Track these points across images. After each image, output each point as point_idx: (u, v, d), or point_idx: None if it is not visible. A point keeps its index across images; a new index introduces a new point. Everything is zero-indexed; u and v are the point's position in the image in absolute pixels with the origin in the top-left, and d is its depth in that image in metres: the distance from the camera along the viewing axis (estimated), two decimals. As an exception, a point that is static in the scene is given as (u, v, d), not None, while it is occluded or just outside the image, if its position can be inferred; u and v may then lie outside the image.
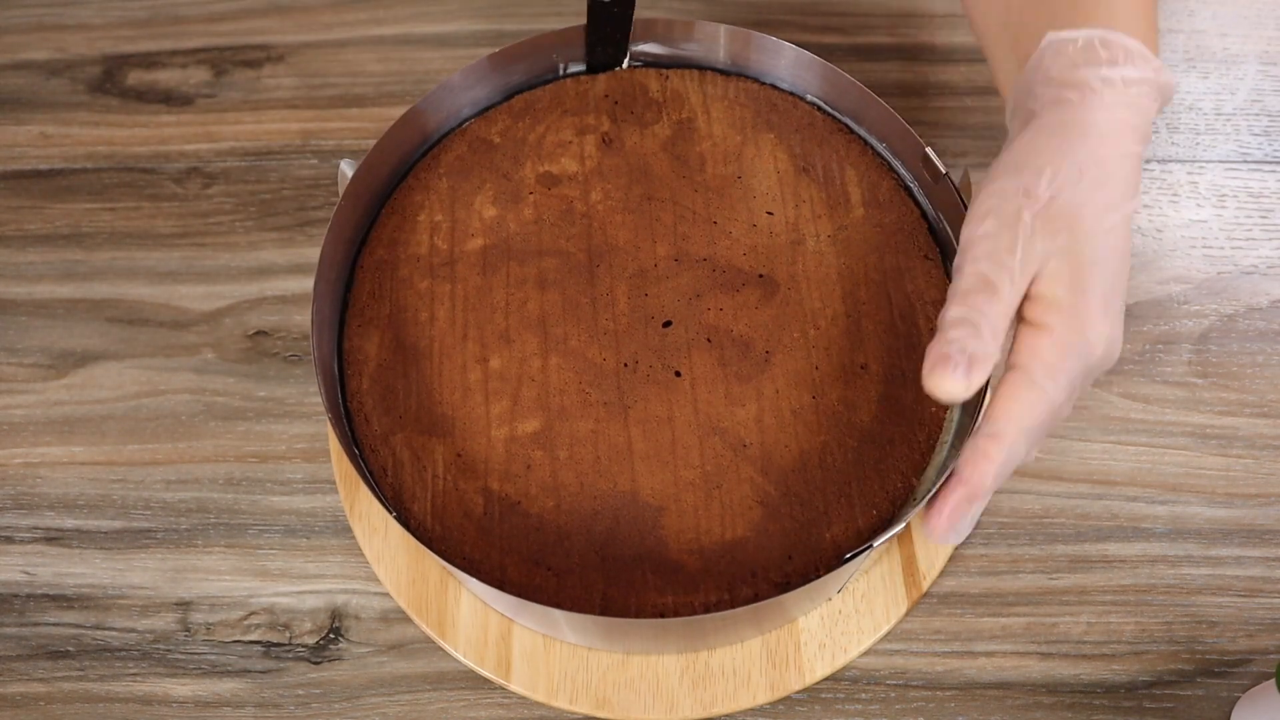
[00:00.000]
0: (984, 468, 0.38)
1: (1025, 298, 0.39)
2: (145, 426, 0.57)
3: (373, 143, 0.50)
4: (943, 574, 0.52)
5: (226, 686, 0.51)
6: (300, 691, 0.51)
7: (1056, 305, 0.38)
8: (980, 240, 0.40)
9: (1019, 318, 0.39)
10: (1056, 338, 0.38)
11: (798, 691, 0.50)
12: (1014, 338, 0.39)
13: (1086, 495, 0.54)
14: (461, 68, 0.52)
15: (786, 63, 0.53)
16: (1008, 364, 0.39)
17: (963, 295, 0.39)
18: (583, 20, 0.53)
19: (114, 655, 0.52)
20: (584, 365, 0.47)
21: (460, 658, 0.50)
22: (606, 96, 0.54)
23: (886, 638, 0.51)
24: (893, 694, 0.50)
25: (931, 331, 0.47)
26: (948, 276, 0.49)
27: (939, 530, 0.39)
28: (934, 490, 0.39)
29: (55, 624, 0.52)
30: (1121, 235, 0.39)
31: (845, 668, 0.50)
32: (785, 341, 0.48)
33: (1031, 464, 0.55)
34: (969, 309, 0.38)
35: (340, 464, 0.54)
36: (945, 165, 0.48)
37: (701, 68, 0.55)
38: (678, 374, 0.47)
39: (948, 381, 0.37)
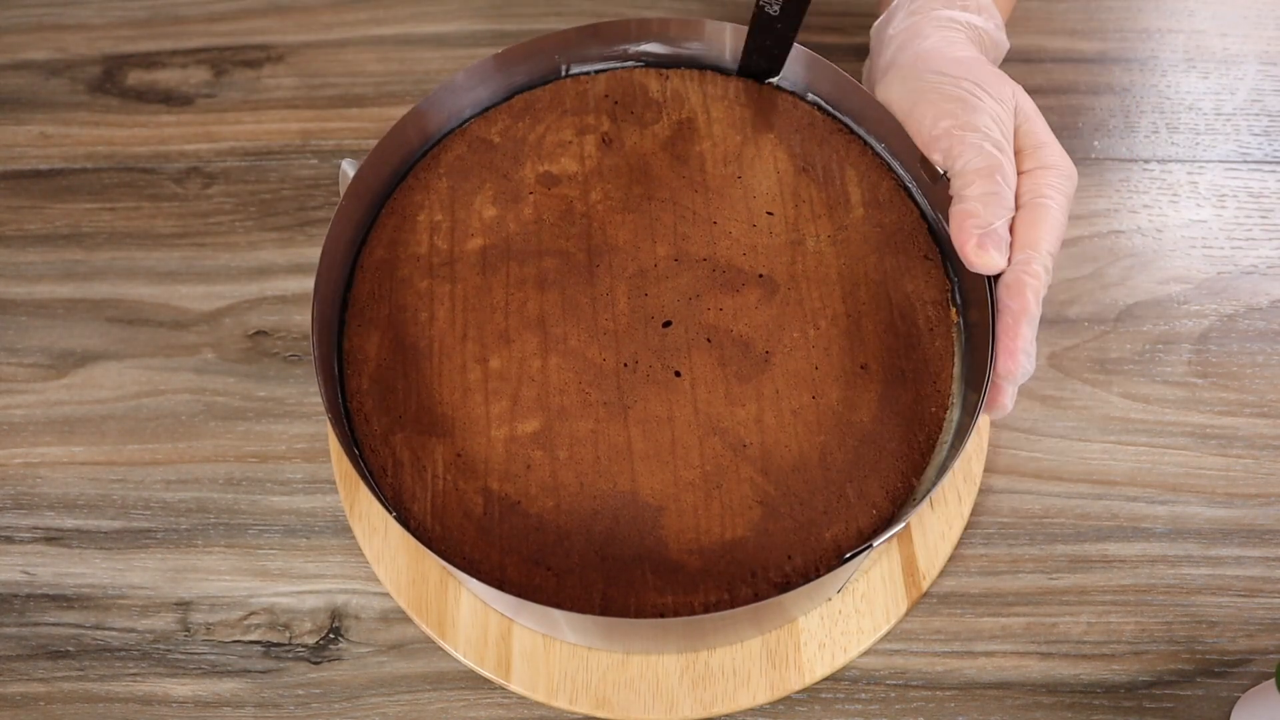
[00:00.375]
0: (1030, 288, 0.44)
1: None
2: (145, 426, 0.57)
3: (373, 143, 0.50)
4: (942, 574, 0.52)
5: (226, 686, 0.51)
6: (300, 691, 0.51)
7: (1034, 152, 0.46)
8: (948, 120, 0.46)
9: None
10: (1047, 172, 0.45)
11: (797, 691, 0.50)
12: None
13: (1086, 495, 0.54)
14: (462, 68, 0.52)
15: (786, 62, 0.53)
16: (1018, 202, 0.45)
17: (978, 172, 0.45)
18: (584, 20, 0.53)
19: (114, 655, 0.52)
20: (584, 365, 0.47)
21: (460, 658, 0.50)
22: (606, 96, 0.54)
23: (886, 638, 0.51)
24: (892, 694, 0.50)
25: (930, 331, 0.48)
26: (948, 277, 0.49)
27: (1016, 368, 0.44)
28: (994, 349, 0.44)
29: (55, 624, 0.53)
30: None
31: (845, 668, 0.50)
32: (785, 341, 0.48)
33: (1031, 464, 0.55)
34: (990, 183, 0.45)
35: (340, 464, 0.54)
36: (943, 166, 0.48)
37: (702, 67, 0.55)
38: (677, 374, 0.47)
39: (997, 257, 0.44)
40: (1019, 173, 0.46)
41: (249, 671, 0.51)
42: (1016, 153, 0.46)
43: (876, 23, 0.54)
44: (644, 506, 0.45)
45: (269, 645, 0.52)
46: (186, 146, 0.66)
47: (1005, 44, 0.53)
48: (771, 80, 0.54)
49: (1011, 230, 0.45)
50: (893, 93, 0.49)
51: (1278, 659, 0.50)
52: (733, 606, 0.43)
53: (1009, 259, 0.44)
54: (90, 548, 0.54)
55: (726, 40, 0.54)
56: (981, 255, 0.44)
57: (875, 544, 0.42)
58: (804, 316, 0.48)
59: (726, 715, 0.49)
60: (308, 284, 0.61)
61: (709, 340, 0.48)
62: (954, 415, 0.47)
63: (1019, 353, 0.44)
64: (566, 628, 0.47)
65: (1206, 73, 0.67)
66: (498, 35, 0.69)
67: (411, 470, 0.46)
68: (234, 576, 0.53)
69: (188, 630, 0.52)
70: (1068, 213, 0.46)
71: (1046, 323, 0.58)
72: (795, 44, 0.52)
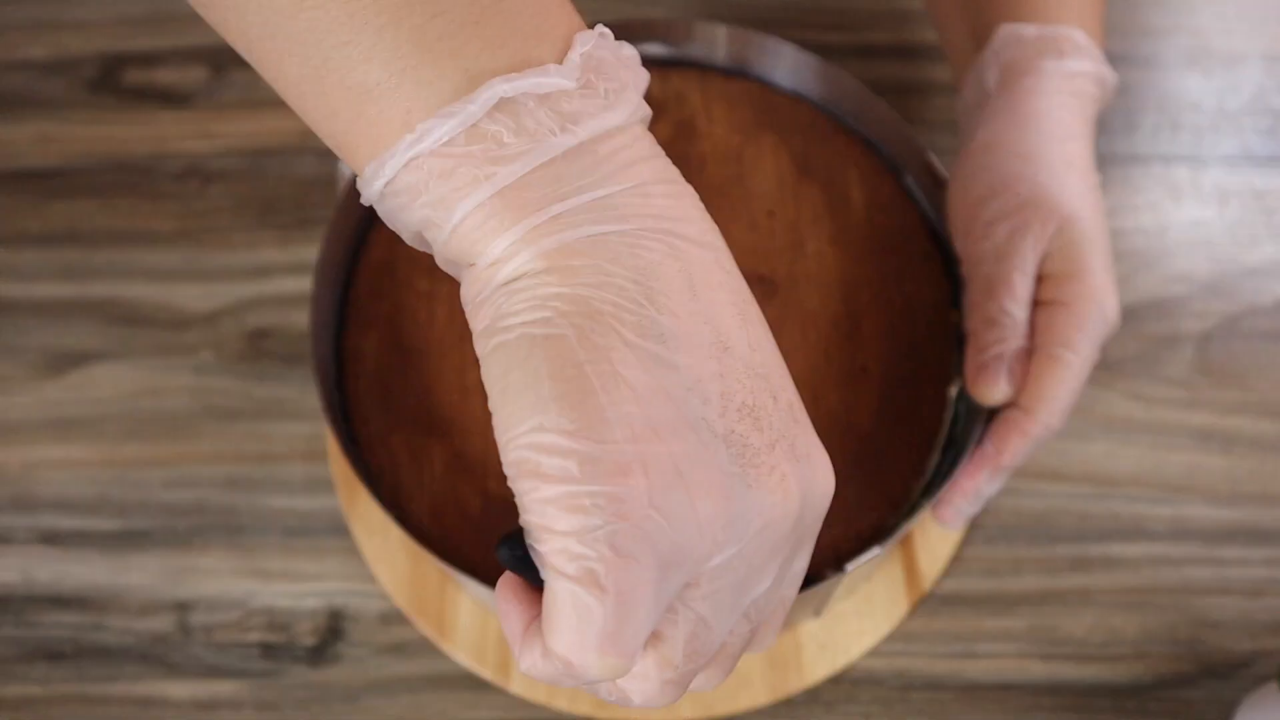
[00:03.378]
0: (1016, 444, 0.42)
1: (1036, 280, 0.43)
2: (144, 426, 0.57)
3: (371, 142, 0.49)
4: (944, 575, 0.52)
5: (225, 688, 0.51)
6: (299, 693, 0.51)
7: (1067, 282, 0.42)
8: (983, 242, 0.43)
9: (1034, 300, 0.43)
10: (1073, 312, 0.41)
11: (798, 693, 0.49)
12: (1031, 319, 0.43)
13: (1089, 495, 0.54)
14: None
15: (787, 63, 0.53)
16: (1031, 345, 0.42)
17: (984, 300, 0.43)
18: (583, 21, 0.52)
19: (112, 656, 0.52)
20: (583, 366, 0.47)
21: (460, 659, 0.50)
22: (606, 95, 0.54)
23: (888, 639, 0.51)
24: (894, 695, 0.50)
25: (930, 333, 0.47)
26: (948, 279, 0.49)
27: (953, 512, 0.43)
28: (958, 469, 0.42)
29: (53, 625, 0.52)
30: (1099, 208, 0.44)
31: (846, 669, 0.50)
32: (784, 343, 0.47)
33: (1033, 464, 0.55)
34: (994, 312, 0.42)
35: (339, 465, 0.54)
36: (946, 169, 0.48)
37: (702, 68, 0.55)
38: (677, 375, 0.47)
39: (994, 390, 0.42)
40: (1039, 302, 0.43)
41: (248, 673, 0.51)
42: (1045, 278, 0.43)
43: (965, 92, 0.49)
44: (643, 508, 0.44)
45: (268, 647, 0.52)
46: (185, 146, 0.66)
47: (1112, 77, 0.46)
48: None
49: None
50: (979, 137, 0.46)
51: (1280, 661, 0.50)
52: (732, 609, 0.42)
53: (1016, 399, 0.42)
54: (88, 548, 0.54)
55: (722, 42, 0.54)
56: (976, 389, 0.42)
57: (875, 549, 0.42)
58: (804, 318, 0.48)
59: (727, 716, 0.49)
60: (307, 284, 0.60)
61: (709, 341, 0.47)
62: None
63: (970, 494, 0.43)
64: (566, 629, 0.47)
65: (1210, 71, 0.67)
66: (497, 34, 0.69)
67: (409, 471, 0.46)
68: (233, 577, 0.53)
69: (186, 631, 0.52)
70: (1090, 359, 0.42)
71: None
72: (795, 46, 0.52)
